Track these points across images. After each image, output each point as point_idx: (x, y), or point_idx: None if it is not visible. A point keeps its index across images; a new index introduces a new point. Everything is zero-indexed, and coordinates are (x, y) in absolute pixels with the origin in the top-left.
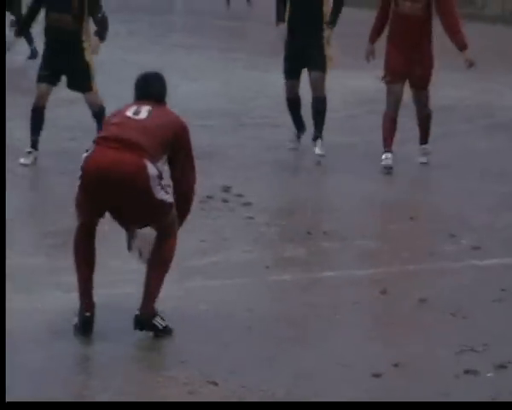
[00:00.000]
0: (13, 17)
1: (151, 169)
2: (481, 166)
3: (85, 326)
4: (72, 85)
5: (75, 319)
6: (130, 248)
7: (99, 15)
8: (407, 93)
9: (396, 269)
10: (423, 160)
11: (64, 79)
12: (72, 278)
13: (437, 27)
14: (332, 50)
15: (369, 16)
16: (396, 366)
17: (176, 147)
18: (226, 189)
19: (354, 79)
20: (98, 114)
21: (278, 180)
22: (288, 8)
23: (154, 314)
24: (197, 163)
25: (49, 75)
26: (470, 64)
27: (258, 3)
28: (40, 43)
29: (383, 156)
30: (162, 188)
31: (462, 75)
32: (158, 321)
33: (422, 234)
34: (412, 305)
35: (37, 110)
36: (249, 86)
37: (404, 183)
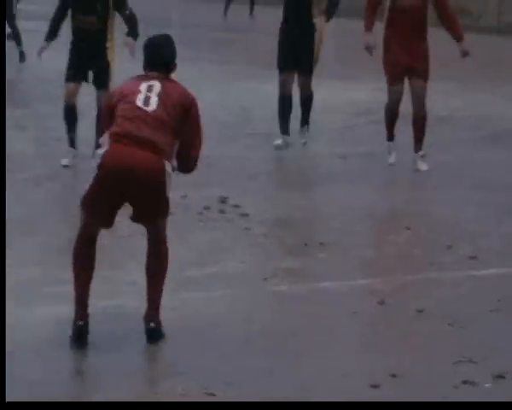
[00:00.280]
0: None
1: (168, 167)
2: (478, 176)
3: (78, 336)
4: (93, 82)
5: (70, 330)
6: None
7: (126, 12)
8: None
9: (394, 279)
10: (424, 167)
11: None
12: (70, 289)
13: (430, 39)
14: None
15: (362, 27)
16: (394, 376)
17: (184, 118)
18: (223, 199)
19: (352, 90)
20: None
21: (275, 191)
22: (283, 12)
23: (161, 324)
24: (194, 174)
25: (76, 74)
26: (465, 54)
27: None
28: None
29: (387, 145)
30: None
31: (457, 85)
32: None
33: (420, 244)
34: (410, 315)
35: (68, 108)
36: (246, 97)
37: (400, 193)
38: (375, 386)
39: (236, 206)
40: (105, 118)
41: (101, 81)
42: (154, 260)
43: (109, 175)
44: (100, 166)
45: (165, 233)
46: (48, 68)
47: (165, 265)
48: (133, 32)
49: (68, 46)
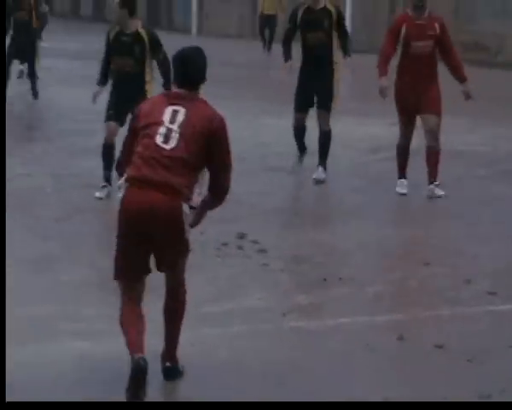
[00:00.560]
0: (21, 66)
1: (186, 208)
2: (495, 211)
3: (138, 373)
4: None
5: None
6: None
7: (160, 56)
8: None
9: (412, 315)
10: (440, 192)
11: None
12: (85, 326)
13: (444, 76)
14: (340, 89)
15: (376, 61)
16: None
17: (211, 143)
18: (241, 235)
19: (367, 126)
20: None
21: (293, 227)
22: (301, 52)
23: (178, 361)
24: (212, 211)
25: (116, 114)
26: (467, 96)
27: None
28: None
29: (398, 183)
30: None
31: (473, 121)
32: (180, 367)
33: (438, 279)
34: (429, 351)
35: (107, 147)
36: (263, 133)
37: (417, 227)
38: None
39: (254, 242)
40: (127, 139)
41: None
42: (173, 303)
43: (130, 218)
44: (120, 212)
45: (184, 276)
46: (62, 105)
47: (184, 309)
48: (167, 82)
49: (109, 88)
